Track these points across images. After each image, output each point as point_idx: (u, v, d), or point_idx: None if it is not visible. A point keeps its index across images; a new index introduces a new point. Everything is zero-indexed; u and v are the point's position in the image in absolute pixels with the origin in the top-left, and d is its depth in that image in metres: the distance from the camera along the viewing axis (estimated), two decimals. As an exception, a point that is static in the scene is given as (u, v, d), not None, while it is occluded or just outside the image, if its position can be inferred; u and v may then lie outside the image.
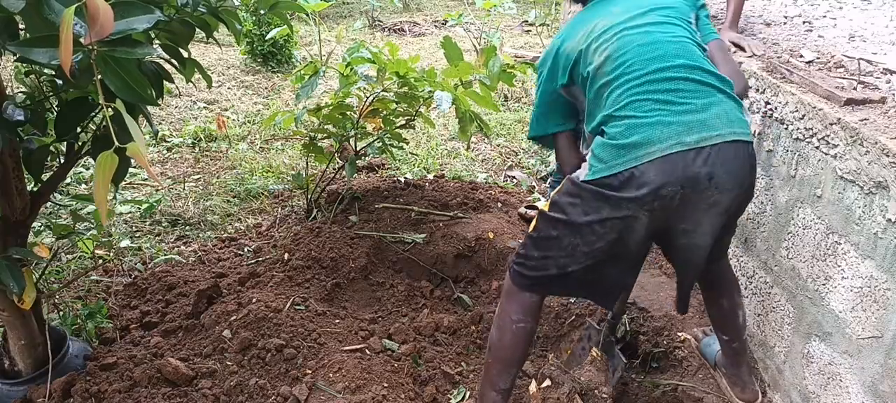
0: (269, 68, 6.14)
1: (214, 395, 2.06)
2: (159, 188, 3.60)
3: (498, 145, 4.64)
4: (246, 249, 3.06)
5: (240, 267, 2.86)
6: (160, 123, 4.57)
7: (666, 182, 1.61)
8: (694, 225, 1.73)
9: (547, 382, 2.24)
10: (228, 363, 2.18)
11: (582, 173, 1.74)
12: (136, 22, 1.15)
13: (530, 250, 1.85)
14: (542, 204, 1.87)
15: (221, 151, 4.24)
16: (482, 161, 4.35)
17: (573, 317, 2.64)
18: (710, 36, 2.06)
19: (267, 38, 5.77)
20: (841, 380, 1.87)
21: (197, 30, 1.71)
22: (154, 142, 4.14)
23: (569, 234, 1.75)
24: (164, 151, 4.15)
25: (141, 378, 2.07)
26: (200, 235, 3.23)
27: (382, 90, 2.88)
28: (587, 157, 1.76)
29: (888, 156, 1.62)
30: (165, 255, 2.98)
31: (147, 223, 3.27)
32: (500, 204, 3.52)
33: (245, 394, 2.07)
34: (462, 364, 2.46)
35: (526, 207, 3.49)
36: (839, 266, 1.87)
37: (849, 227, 1.82)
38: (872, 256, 1.72)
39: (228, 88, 5.60)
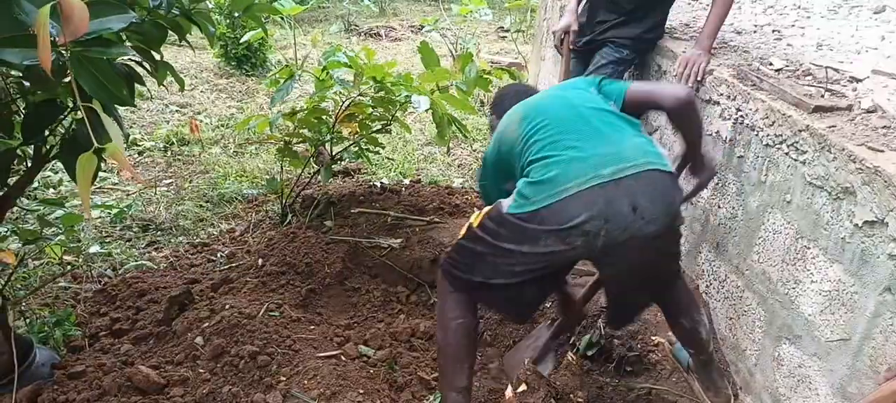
0: (244, 72, 6.08)
1: (186, 403, 2.02)
2: (133, 191, 3.54)
3: (474, 150, 4.65)
4: (219, 255, 3.01)
5: (212, 272, 2.82)
6: (131, 127, 4.49)
7: (589, 217, 1.64)
8: (622, 257, 1.73)
9: (523, 387, 2.24)
10: (201, 370, 2.15)
11: (506, 203, 1.79)
12: (110, 22, 1.13)
13: (459, 255, 1.93)
14: (474, 217, 1.91)
15: (194, 155, 4.18)
16: (458, 166, 4.36)
17: (549, 322, 2.65)
18: (622, 89, 2.04)
19: (241, 41, 5.71)
20: (810, 382, 1.91)
21: (169, 32, 1.69)
22: (125, 145, 4.06)
23: (492, 254, 1.81)
24: (136, 155, 4.08)
25: (110, 387, 2.02)
26: (172, 241, 3.17)
27: (359, 95, 2.86)
28: (513, 192, 1.81)
29: (855, 162, 1.66)
30: (136, 261, 2.93)
31: (117, 228, 3.20)
32: (476, 210, 3.53)
33: (218, 402, 2.04)
34: (438, 369, 2.45)
35: None
36: (808, 270, 1.91)
37: (817, 232, 1.86)
38: (840, 260, 1.76)
39: (202, 92, 5.53)
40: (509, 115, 2.02)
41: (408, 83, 2.75)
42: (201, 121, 4.71)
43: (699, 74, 2.47)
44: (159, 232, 3.23)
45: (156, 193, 3.57)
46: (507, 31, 7.86)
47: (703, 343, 2.17)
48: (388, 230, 3.18)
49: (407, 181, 3.92)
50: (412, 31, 8.46)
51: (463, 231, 1.94)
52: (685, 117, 1.99)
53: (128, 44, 1.61)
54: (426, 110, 2.70)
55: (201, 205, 3.53)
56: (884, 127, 1.78)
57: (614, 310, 2.13)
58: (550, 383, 2.20)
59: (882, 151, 1.64)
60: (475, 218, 1.90)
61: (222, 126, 4.74)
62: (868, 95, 2.01)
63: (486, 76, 2.93)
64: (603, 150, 1.72)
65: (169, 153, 4.16)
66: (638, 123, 1.88)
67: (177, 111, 4.99)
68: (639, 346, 2.53)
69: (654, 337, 2.58)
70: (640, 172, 1.68)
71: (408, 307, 2.80)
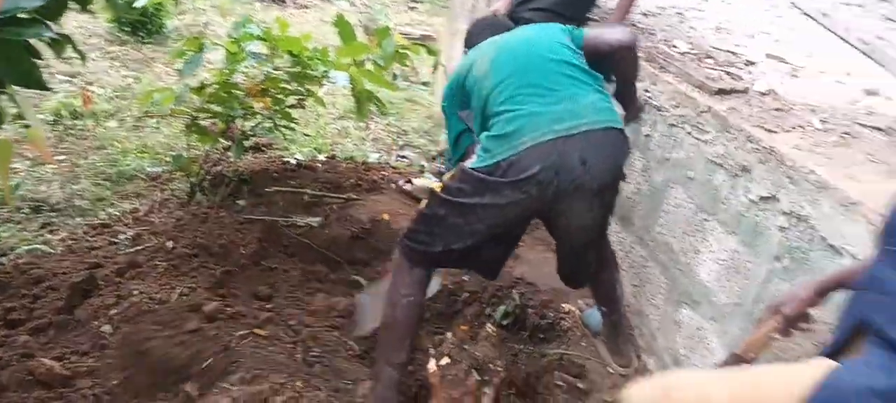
0: (139, 38, 5.69)
1: (95, 395, 1.92)
2: (21, 169, 3.26)
3: (388, 124, 4.62)
4: (122, 237, 2.85)
5: (116, 256, 2.66)
6: (14, 97, 4.11)
7: (542, 167, 1.76)
8: (569, 208, 1.89)
9: (445, 359, 2.29)
10: (109, 360, 2.04)
11: (470, 162, 1.90)
12: (24, 0, 1.04)
13: (420, 225, 2.01)
14: (435, 184, 2.02)
15: (88, 129, 3.89)
16: (373, 140, 4.32)
17: (466, 294, 2.71)
18: (581, 36, 2.07)
19: (135, 5, 5.32)
20: (707, 343, 2.07)
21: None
22: (9, 119, 3.73)
23: (453, 215, 1.90)
24: (22, 130, 3.75)
25: (9, 382, 1.89)
26: (68, 222, 2.97)
27: (274, 69, 2.77)
28: (476, 149, 1.92)
29: (752, 142, 1.80)
30: (29, 245, 2.72)
31: (4, 210, 2.95)
32: (393, 185, 3.52)
33: (130, 393, 1.95)
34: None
35: (405, 181, 3.50)
36: (707, 241, 2.06)
37: (716, 206, 2.01)
38: (736, 232, 1.91)
39: (93, 60, 5.12)
40: (483, 49, 2.07)
41: (324, 57, 2.69)
42: (94, 93, 4.38)
43: None
44: (53, 213, 3.01)
45: (47, 170, 3.32)
46: (419, 2, 7.81)
47: (617, 300, 2.31)
48: (305, 208, 3.12)
49: (322, 157, 3.85)
50: None
51: (424, 203, 2.03)
52: (625, 59, 2.05)
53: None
54: (344, 86, 2.66)
55: (99, 184, 3.31)
56: (777, 109, 1.94)
57: (566, 269, 2.23)
58: (471, 354, 2.26)
59: (776, 132, 1.79)
60: (438, 187, 1.99)
61: (118, 97, 4.44)
62: (762, 78, 2.17)
63: (403, 51, 2.90)
64: (560, 107, 1.81)
65: (60, 127, 3.85)
66: (600, 77, 1.95)
67: (65, 81, 4.61)
68: (551, 314, 2.65)
69: (564, 305, 2.71)
70: (593, 130, 1.79)
71: (327, 285, 2.77)
